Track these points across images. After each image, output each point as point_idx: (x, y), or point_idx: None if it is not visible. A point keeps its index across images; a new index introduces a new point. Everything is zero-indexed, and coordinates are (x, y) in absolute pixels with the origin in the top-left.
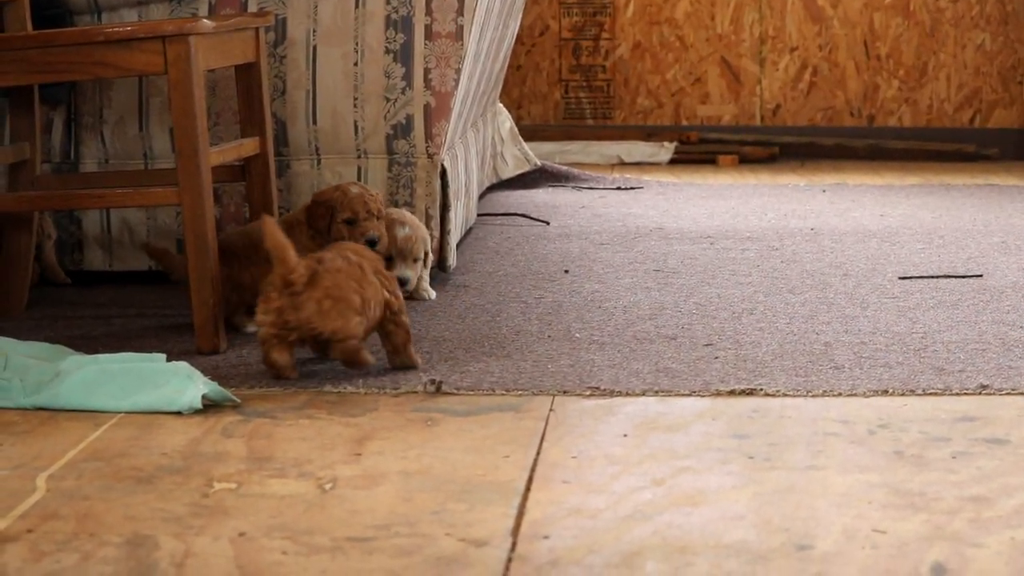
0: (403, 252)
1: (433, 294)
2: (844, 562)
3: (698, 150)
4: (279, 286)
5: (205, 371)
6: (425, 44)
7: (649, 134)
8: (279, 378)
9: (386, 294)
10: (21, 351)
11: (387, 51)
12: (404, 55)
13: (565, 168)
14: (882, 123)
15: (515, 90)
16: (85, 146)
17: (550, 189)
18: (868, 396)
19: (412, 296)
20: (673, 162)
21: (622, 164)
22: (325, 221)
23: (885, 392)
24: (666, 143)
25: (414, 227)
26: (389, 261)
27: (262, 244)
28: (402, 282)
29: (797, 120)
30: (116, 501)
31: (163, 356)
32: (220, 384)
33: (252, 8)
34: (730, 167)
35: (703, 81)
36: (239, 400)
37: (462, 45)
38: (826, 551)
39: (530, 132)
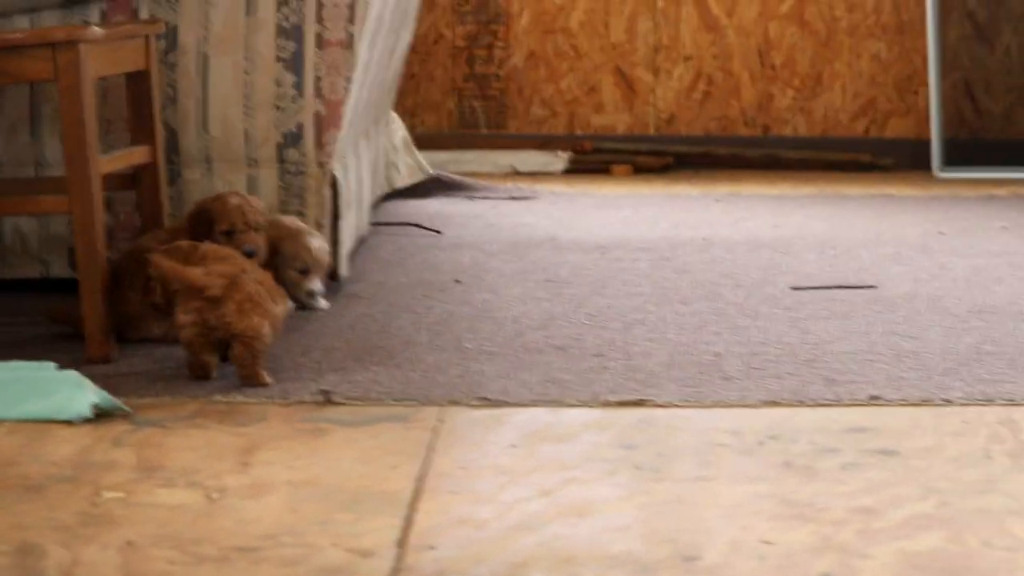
0: (319, 263)
1: (325, 304)
2: (731, 573)
3: (592, 159)
4: (195, 295)
5: (96, 380)
6: (316, 52)
7: (543, 143)
8: (203, 379)
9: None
10: None
11: (278, 59)
12: (295, 63)
13: (459, 178)
14: (777, 132)
15: (409, 99)
16: None
17: (443, 199)
18: (758, 407)
19: (303, 306)
20: (567, 172)
21: (516, 173)
22: (205, 230)
23: (775, 403)
24: (560, 152)
25: (320, 238)
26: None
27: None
28: (313, 294)
29: (692, 129)
30: (4, 510)
31: (53, 364)
32: (111, 393)
33: (143, 15)
34: (624, 177)
35: (597, 90)
36: (129, 409)
37: (353, 53)
38: (713, 562)
39: (424, 141)
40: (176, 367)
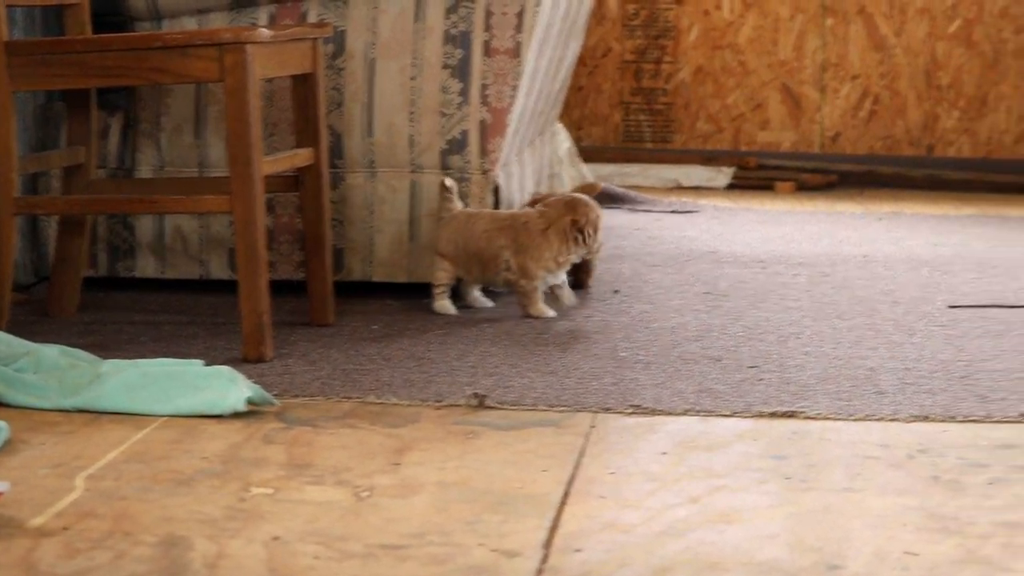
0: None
1: (489, 303)
2: None
3: (756, 176)
4: None
5: (250, 379)
6: (483, 60)
7: (708, 159)
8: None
9: None
10: (45, 352)
11: (445, 66)
12: (462, 70)
13: (622, 190)
14: (941, 153)
15: (575, 111)
16: (141, 152)
17: (606, 210)
18: (909, 421)
19: (469, 304)
20: (731, 187)
21: (680, 188)
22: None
23: (926, 418)
24: (724, 168)
25: None
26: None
27: None
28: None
29: (856, 148)
30: (153, 502)
31: (200, 361)
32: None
33: (312, 19)
34: (788, 193)
35: (764, 107)
36: (278, 403)
37: (520, 62)
38: (856, 572)
39: (589, 153)
40: (331, 368)
